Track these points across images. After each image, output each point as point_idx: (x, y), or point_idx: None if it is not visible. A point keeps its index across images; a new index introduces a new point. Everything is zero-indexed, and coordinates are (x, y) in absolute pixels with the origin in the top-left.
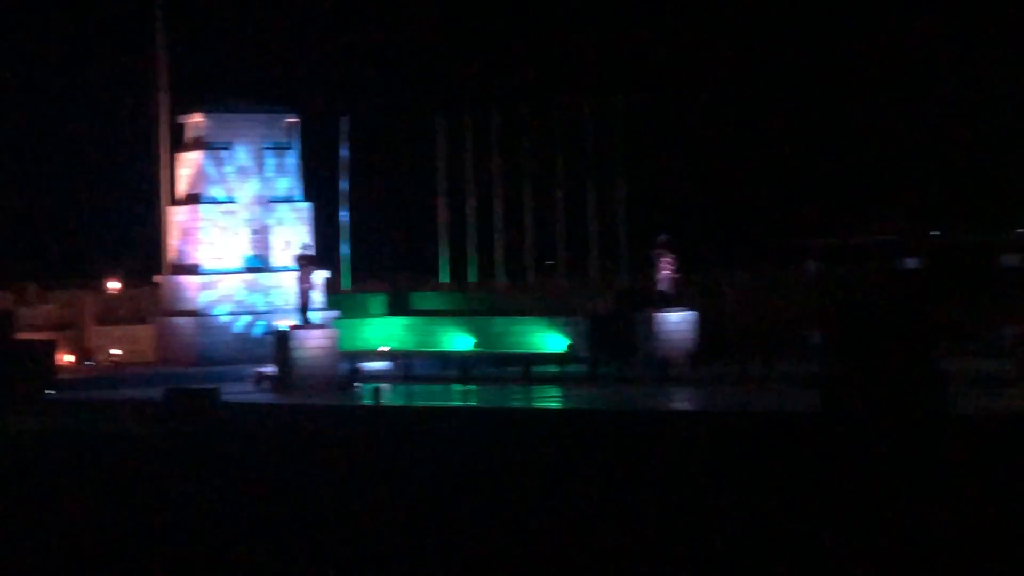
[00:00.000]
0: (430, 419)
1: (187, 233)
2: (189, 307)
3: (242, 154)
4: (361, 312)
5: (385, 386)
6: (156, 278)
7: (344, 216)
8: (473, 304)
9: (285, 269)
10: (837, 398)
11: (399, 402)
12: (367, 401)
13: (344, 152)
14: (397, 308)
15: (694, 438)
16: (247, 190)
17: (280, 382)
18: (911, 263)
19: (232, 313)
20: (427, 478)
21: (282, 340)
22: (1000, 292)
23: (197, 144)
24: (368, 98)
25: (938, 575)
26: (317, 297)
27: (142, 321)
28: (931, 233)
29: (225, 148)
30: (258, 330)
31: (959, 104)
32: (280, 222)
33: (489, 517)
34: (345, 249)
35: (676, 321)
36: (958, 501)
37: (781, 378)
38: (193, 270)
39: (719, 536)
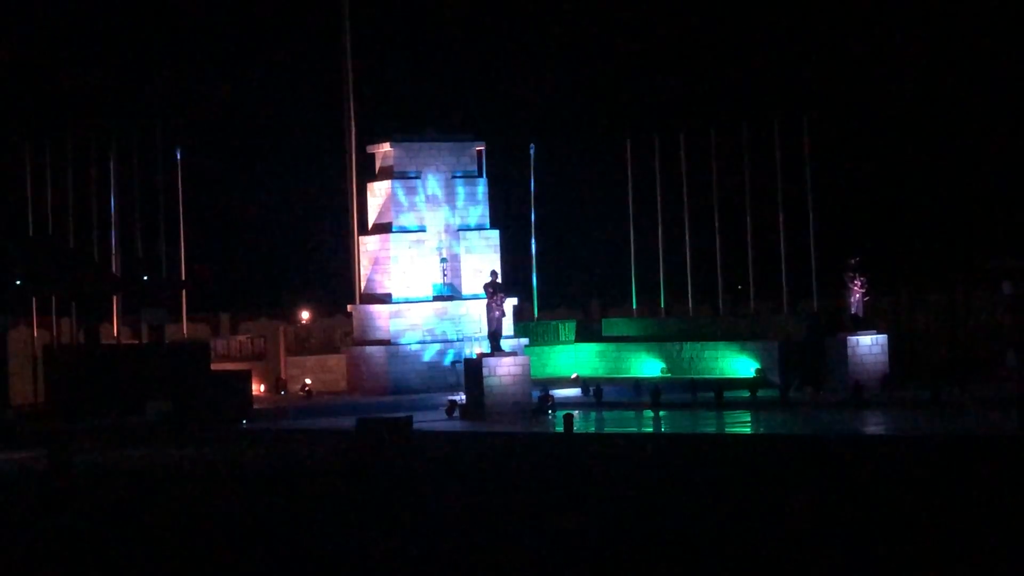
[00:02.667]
0: (622, 446)
1: (378, 262)
2: (380, 336)
3: (431, 183)
4: (551, 339)
5: (576, 413)
6: (348, 308)
7: (534, 243)
8: (663, 329)
9: (475, 297)
10: None
11: (591, 429)
12: (559, 428)
13: (533, 179)
14: (587, 334)
15: (891, 462)
16: (436, 218)
17: (472, 410)
18: None
19: (422, 341)
20: (619, 504)
21: (473, 368)
22: None
23: (387, 173)
24: (557, 125)
25: None
26: (507, 324)
27: (334, 351)
28: None
29: (415, 177)
30: (448, 358)
31: None
32: (469, 250)
33: (686, 545)
34: (535, 276)
35: (868, 345)
36: None
37: (977, 401)
38: (384, 299)
39: (926, 560)
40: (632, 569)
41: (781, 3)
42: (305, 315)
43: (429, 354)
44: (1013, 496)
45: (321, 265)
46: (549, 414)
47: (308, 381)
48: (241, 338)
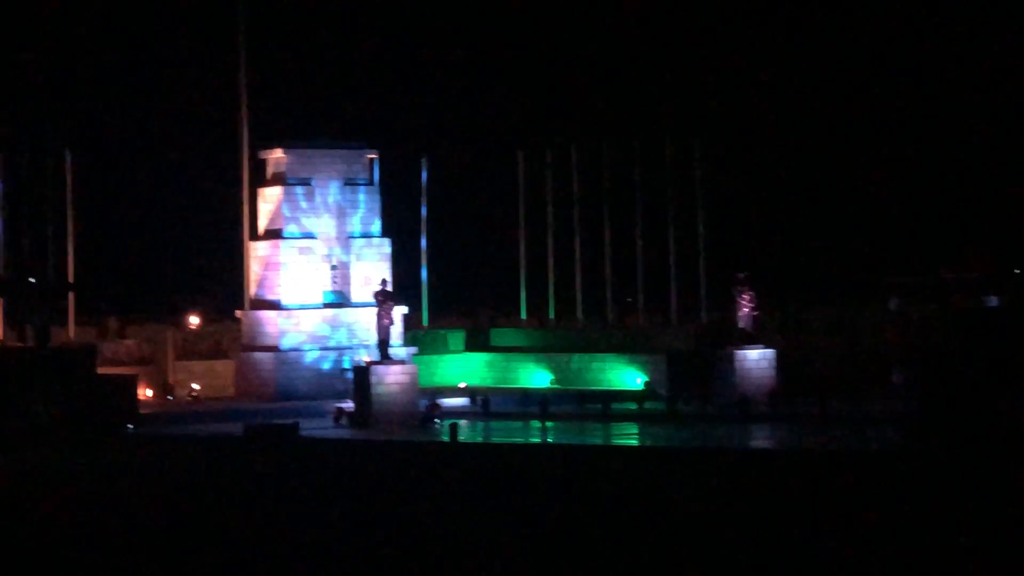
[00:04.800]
0: (508, 456)
1: (268, 268)
2: (269, 342)
3: (323, 190)
4: (440, 348)
5: (463, 422)
6: (237, 313)
7: (424, 252)
8: (552, 340)
9: (364, 305)
10: (919, 438)
11: (477, 439)
12: (445, 437)
13: (424, 188)
14: (476, 344)
15: (776, 477)
16: (327, 225)
17: (359, 418)
18: (993, 301)
19: (311, 349)
20: (502, 514)
21: (361, 376)
22: None
23: (279, 179)
24: (449, 135)
25: None
26: (396, 333)
27: (223, 356)
28: (1014, 271)
29: (306, 184)
30: (337, 366)
31: None
32: (360, 258)
33: (566, 555)
34: (425, 285)
35: (756, 359)
36: None
37: (863, 417)
38: (273, 305)
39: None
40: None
41: (680, 21)
42: (194, 320)
43: (318, 361)
44: (886, 511)
45: (211, 270)
46: (436, 423)
47: (196, 386)
48: (129, 342)
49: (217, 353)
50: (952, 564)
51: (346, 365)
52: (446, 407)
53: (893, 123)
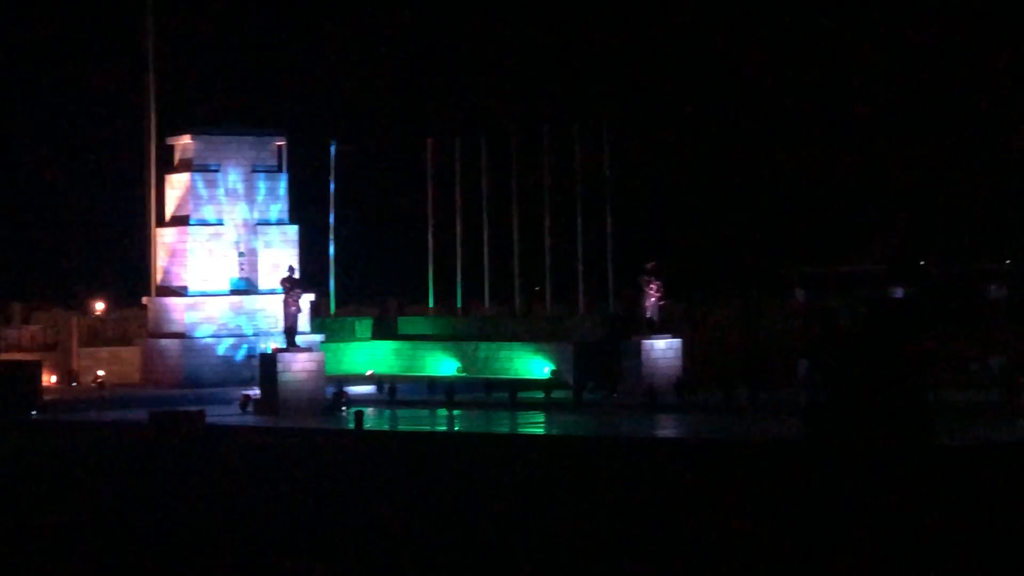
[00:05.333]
0: (412, 443)
1: (175, 255)
2: (175, 329)
3: (231, 176)
4: (348, 336)
5: (370, 410)
6: (143, 300)
7: (332, 240)
8: (460, 329)
9: (271, 292)
10: (822, 427)
11: (383, 426)
12: (351, 425)
13: (333, 176)
14: (384, 332)
15: (679, 466)
16: (235, 213)
17: (265, 405)
18: (898, 293)
19: (218, 335)
20: (406, 501)
21: (268, 363)
22: (987, 322)
23: (186, 166)
24: (359, 123)
25: None
26: (303, 320)
27: (128, 343)
28: (919, 263)
29: (214, 170)
30: (244, 353)
31: (949, 135)
32: (268, 245)
33: (467, 543)
34: (333, 273)
35: (662, 348)
36: (943, 530)
37: (768, 406)
38: (180, 292)
39: (700, 562)
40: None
41: (593, 13)
42: (100, 306)
43: (224, 348)
44: (784, 500)
45: (117, 257)
46: (342, 411)
47: (101, 373)
48: (33, 328)
49: (123, 340)
50: (848, 551)
51: (253, 352)
52: (353, 395)
53: (804, 118)
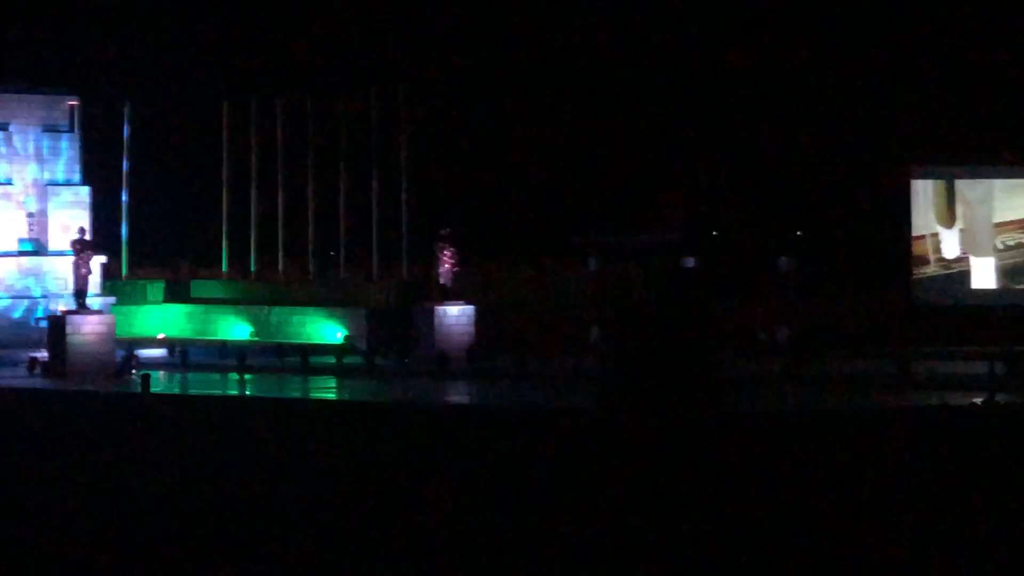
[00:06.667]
0: (200, 407)
1: None
2: None
3: (19, 135)
4: (139, 299)
5: (160, 374)
6: None
7: (125, 202)
8: (252, 293)
9: (62, 254)
10: (612, 395)
11: (174, 390)
12: (139, 388)
13: (126, 138)
14: (176, 295)
15: (469, 432)
16: (25, 172)
17: (53, 368)
18: (689, 262)
19: (5, 297)
20: (193, 466)
21: (56, 325)
22: (775, 293)
23: None
24: (153, 84)
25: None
26: (93, 282)
27: None
28: (711, 233)
29: (2, 129)
30: (33, 315)
31: (740, 104)
32: (58, 206)
33: (255, 510)
34: (125, 235)
35: (456, 315)
36: (727, 498)
37: (559, 374)
38: None
39: (488, 530)
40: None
41: None
42: None
43: (11, 309)
44: (571, 465)
45: None
46: (132, 374)
47: None
48: None
49: None
50: (633, 519)
51: (40, 314)
52: (143, 358)
53: (598, 79)
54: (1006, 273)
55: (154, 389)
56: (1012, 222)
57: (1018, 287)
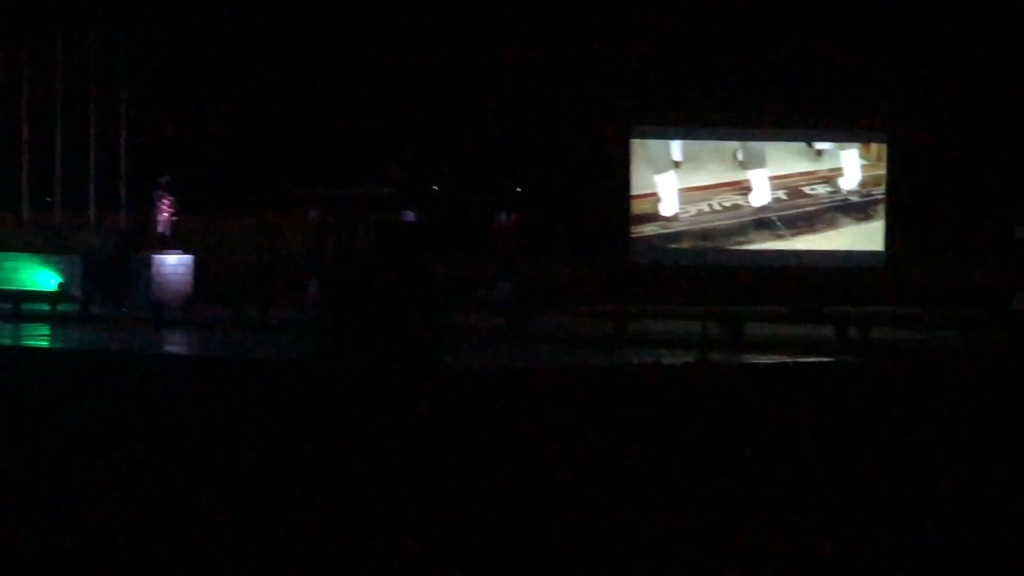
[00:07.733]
0: None
1: None
2: None
3: None
4: None
5: None
6: None
7: None
8: None
9: None
10: (330, 347)
11: None
12: None
13: None
14: None
15: (184, 381)
16: None
17: None
18: (409, 216)
19: None
20: None
21: None
22: (496, 249)
23: None
24: None
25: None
26: None
27: None
28: (431, 187)
29: None
30: None
31: (461, 63)
32: None
33: None
34: None
35: (173, 264)
36: (447, 457)
37: (279, 326)
38: None
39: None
40: None
41: None
42: None
43: None
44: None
45: None
46: None
47: None
48: None
49: None
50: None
51: None
52: None
53: (322, 34)
54: (719, 233)
55: None
56: (727, 183)
57: (732, 248)
